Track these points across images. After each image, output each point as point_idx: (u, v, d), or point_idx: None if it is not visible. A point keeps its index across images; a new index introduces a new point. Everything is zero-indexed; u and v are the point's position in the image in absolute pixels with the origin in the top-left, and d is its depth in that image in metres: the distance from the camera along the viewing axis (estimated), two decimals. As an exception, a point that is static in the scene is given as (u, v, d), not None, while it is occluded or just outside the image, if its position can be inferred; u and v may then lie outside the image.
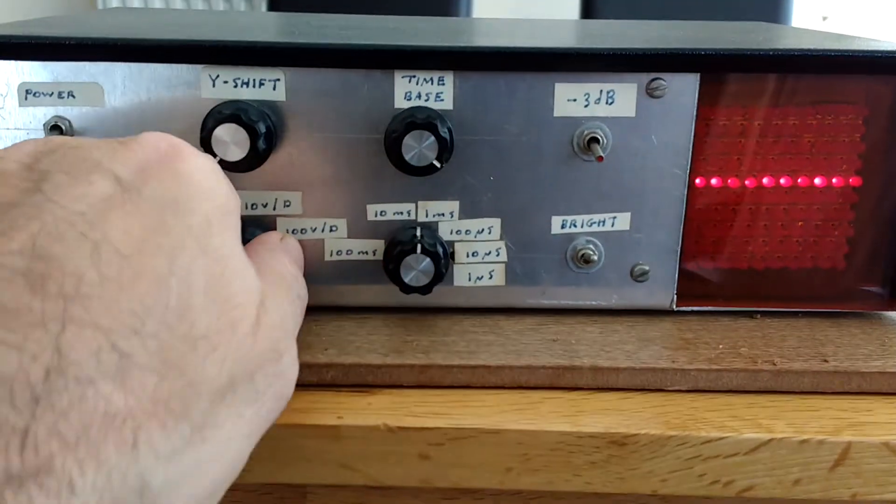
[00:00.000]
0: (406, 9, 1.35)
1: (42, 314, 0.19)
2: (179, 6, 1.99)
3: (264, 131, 0.32)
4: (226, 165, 0.32)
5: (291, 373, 0.27)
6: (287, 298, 0.28)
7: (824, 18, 2.07)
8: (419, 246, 0.34)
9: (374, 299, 0.37)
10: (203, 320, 0.22)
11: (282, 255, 0.31)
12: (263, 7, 1.71)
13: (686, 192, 0.36)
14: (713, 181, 0.36)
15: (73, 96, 0.33)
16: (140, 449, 0.19)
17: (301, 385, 0.32)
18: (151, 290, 0.21)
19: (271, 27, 0.46)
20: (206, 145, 0.31)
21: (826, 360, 0.34)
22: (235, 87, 0.33)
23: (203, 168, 0.25)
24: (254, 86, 0.33)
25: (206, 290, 0.23)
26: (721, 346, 0.35)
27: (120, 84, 0.33)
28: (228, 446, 0.23)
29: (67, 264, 0.20)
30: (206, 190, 0.25)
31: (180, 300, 0.22)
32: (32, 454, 0.17)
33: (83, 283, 0.20)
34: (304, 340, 0.34)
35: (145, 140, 0.24)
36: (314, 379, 0.33)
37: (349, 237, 0.36)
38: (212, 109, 0.32)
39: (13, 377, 0.18)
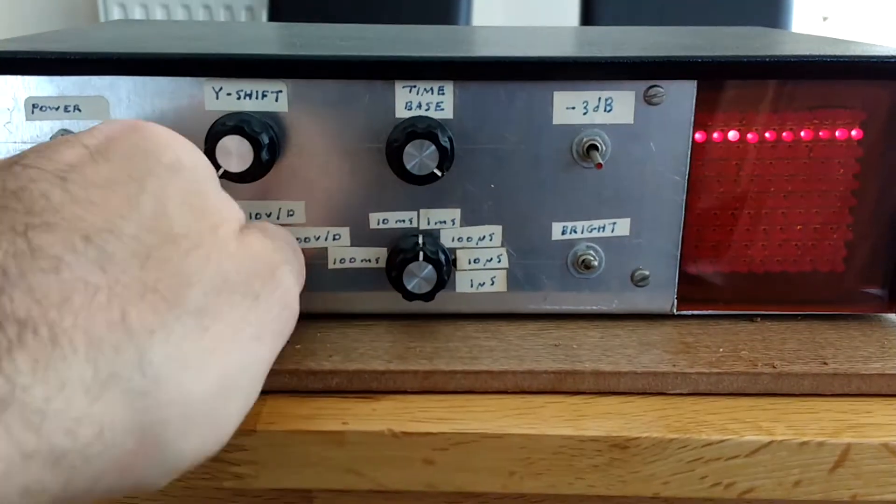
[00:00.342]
0: (406, 17, 1.36)
1: (11, 223, 0.20)
2: (181, 15, 2.00)
3: (267, 142, 0.32)
4: (230, 176, 0.32)
5: (290, 283, 0.27)
6: (289, 246, 0.29)
7: (825, 19, 2.07)
8: (421, 253, 0.34)
9: (377, 306, 0.37)
10: (181, 222, 0.23)
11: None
12: (264, 16, 1.72)
13: (685, 198, 0.36)
14: (712, 186, 0.37)
15: (79, 110, 0.33)
16: (131, 325, 0.20)
17: (306, 391, 0.33)
18: (123, 204, 0.22)
19: (273, 38, 0.47)
20: (210, 157, 0.32)
21: (826, 363, 0.34)
22: (238, 98, 0.33)
23: (167, 134, 0.26)
24: (256, 97, 0.33)
25: (182, 202, 0.24)
26: (721, 350, 0.35)
27: (125, 97, 0.33)
28: (235, 342, 0.23)
29: (35, 190, 0.21)
30: (175, 144, 0.26)
31: (156, 209, 0.23)
32: (10, 313, 0.18)
33: (51, 200, 0.21)
34: (308, 348, 0.35)
35: (115, 119, 0.26)
36: (319, 385, 0.33)
37: (352, 245, 0.36)
38: (215, 121, 0.32)
39: None
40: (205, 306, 0.22)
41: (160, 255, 0.22)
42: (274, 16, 1.55)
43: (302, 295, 0.36)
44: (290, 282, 0.27)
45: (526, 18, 1.86)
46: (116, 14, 1.94)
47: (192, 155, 0.26)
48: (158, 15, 1.98)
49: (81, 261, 0.20)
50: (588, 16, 1.47)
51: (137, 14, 1.95)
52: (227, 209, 0.26)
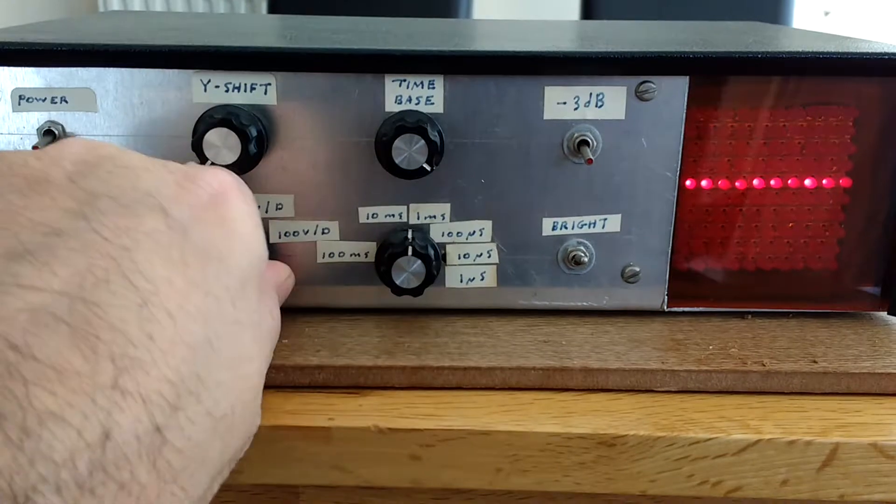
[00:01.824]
0: (406, 10, 1.35)
1: (92, 382, 0.18)
2: (181, 8, 1.99)
3: (255, 135, 0.32)
4: (217, 169, 0.32)
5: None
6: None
7: (826, 13, 2.06)
8: (410, 248, 0.34)
9: (366, 301, 0.37)
10: (227, 398, 0.22)
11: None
12: (264, 8, 1.71)
13: (676, 194, 0.36)
14: (703, 183, 0.36)
15: (66, 101, 0.33)
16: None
17: (293, 386, 0.33)
18: (188, 358, 0.20)
19: (265, 30, 0.47)
20: (197, 149, 0.31)
21: (816, 361, 0.34)
22: (227, 91, 0.33)
23: (246, 216, 0.25)
24: (245, 90, 0.33)
25: (228, 361, 0.22)
26: (711, 347, 0.35)
27: (112, 89, 0.33)
28: None
29: (114, 317, 0.19)
30: (247, 242, 0.25)
31: (209, 372, 0.21)
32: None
33: (130, 345, 0.19)
34: (296, 342, 0.34)
35: (200, 178, 0.24)
36: (306, 381, 0.33)
37: (341, 239, 0.36)
38: (203, 114, 0.32)
39: (62, 463, 0.16)
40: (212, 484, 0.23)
41: (202, 444, 0.21)
42: (273, 8, 1.54)
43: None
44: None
45: (525, 13, 1.86)
46: (116, 6, 1.93)
47: (255, 254, 0.26)
48: (158, 7, 1.97)
49: (142, 461, 0.19)
50: (588, 10, 1.47)
51: (137, 6, 1.94)
52: (256, 358, 0.25)
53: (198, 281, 0.22)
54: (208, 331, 0.21)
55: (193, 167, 0.25)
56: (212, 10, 2.00)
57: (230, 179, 0.25)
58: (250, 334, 0.24)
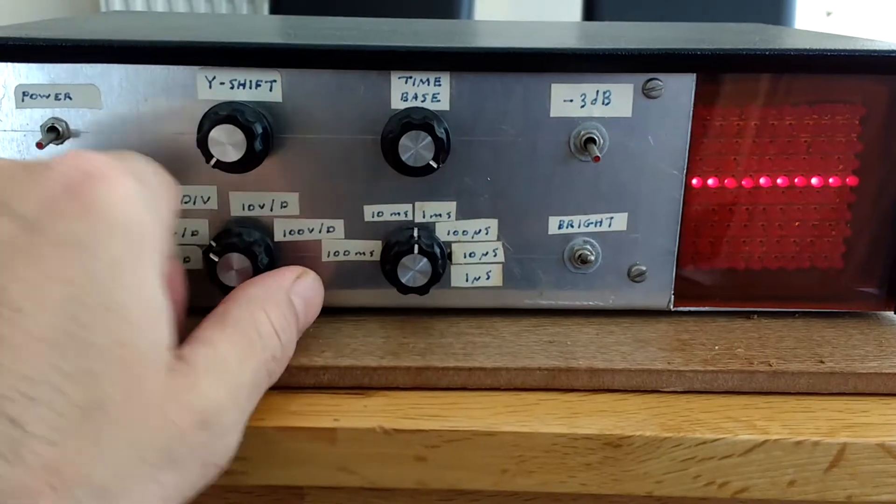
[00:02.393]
0: (409, 12, 1.35)
1: None
2: (182, 9, 1.99)
3: (261, 132, 0.32)
4: (222, 166, 0.32)
5: (222, 444, 0.25)
6: (249, 361, 0.27)
7: (828, 14, 2.06)
8: (416, 246, 0.34)
9: (371, 301, 0.37)
10: (101, 387, 0.21)
11: (270, 308, 0.29)
12: (265, 10, 1.71)
13: (683, 193, 0.36)
14: (710, 181, 0.36)
15: (70, 98, 0.33)
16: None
17: (297, 387, 0.33)
18: (41, 352, 0.20)
19: (269, 29, 0.46)
20: (202, 146, 0.31)
21: (822, 361, 0.34)
22: (232, 88, 0.33)
23: (116, 197, 0.23)
24: (250, 87, 0.33)
25: (105, 351, 0.21)
26: (717, 347, 0.35)
27: (116, 86, 0.33)
28: None
29: None
30: (118, 225, 0.23)
31: (78, 364, 0.21)
32: None
33: None
34: (300, 343, 0.34)
35: (56, 168, 0.23)
36: (310, 381, 0.33)
37: (346, 238, 0.36)
38: (208, 111, 0.32)
39: None
40: (113, 484, 0.21)
41: (73, 432, 0.21)
42: (275, 9, 1.54)
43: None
44: (223, 443, 0.26)
45: (527, 15, 1.86)
46: (118, 6, 1.93)
47: (132, 236, 0.24)
48: (160, 7, 1.97)
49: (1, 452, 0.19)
50: (589, 12, 1.47)
51: (139, 6, 1.94)
52: (156, 347, 0.24)
53: (54, 272, 0.21)
54: (67, 322, 0.21)
55: (55, 158, 0.24)
56: (213, 10, 2.00)
57: (99, 162, 0.24)
58: (131, 319, 0.23)
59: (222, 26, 0.45)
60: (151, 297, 0.24)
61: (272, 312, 0.29)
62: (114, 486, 0.21)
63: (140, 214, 0.24)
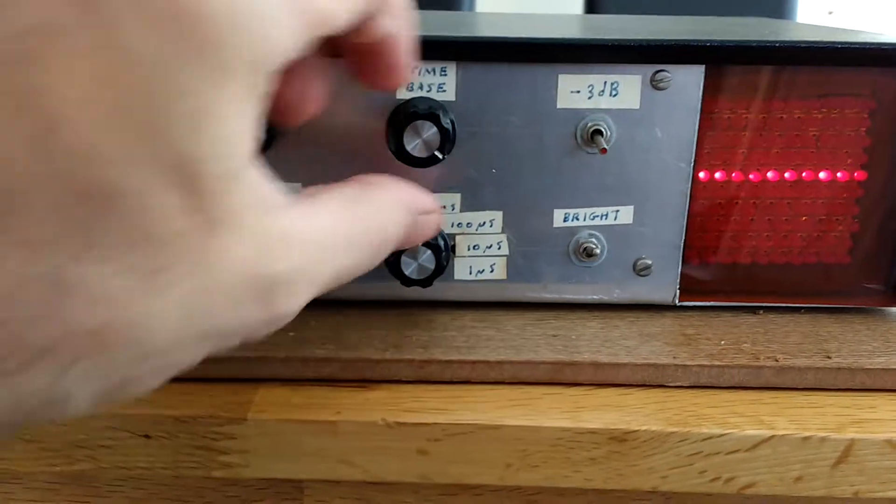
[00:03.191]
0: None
1: None
2: None
3: (264, 122, 0.31)
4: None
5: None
6: (352, 252, 0.23)
7: (830, 13, 2.06)
8: (419, 239, 0.33)
9: (374, 293, 0.36)
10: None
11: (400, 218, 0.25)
12: None
13: (690, 186, 0.35)
14: (717, 175, 0.36)
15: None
16: None
17: (299, 380, 0.32)
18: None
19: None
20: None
21: (829, 357, 0.33)
22: (234, 77, 0.32)
23: None
24: (252, 76, 0.32)
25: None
26: (723, 342, 0.34)
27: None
28: None
29: None
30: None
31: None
32: None
33: None
34: (302, 335, 0.34)
35: None
36: (312, 374, 0.32)
37: (348, 230, 0.35)
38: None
39: None
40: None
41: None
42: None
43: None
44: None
45: (529, 9, 1.85)
46: None
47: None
48: None
49: None
50: (591, 7, 1.46)
51: None
52: None
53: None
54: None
55: None
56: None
57: None
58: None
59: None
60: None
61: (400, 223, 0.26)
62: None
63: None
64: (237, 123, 0.18)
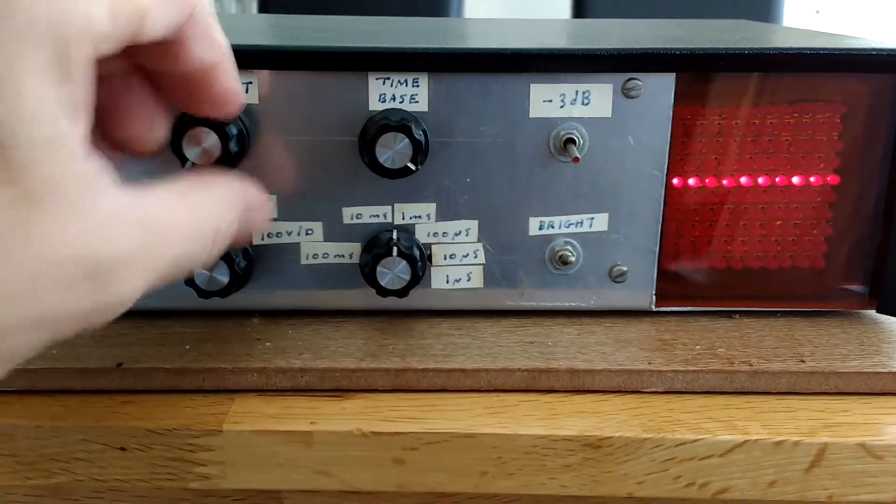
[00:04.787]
0: (397, 10, 1.35)
1: None
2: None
3: (235, 133, 0.31)
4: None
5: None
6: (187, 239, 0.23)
7: (817, 12, 2.07)
8: (395, 248, 0.34)
9: (351, 303, 0.36)
10: None
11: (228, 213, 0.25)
12: (254, 8, 1.71)
13: (664, 193, 0.36)
14: (691, 181, 0.36)
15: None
16: None
17: (275, 390, 0.32)
18: None
19: (247, 29, 0.46)
20: (176, 150, 0.31)
21: (803, 361, 0.34)
22: (207, 90, 0.32)
23: None
24: (226, 89, 0.33)
25: None
26: (698, 347, 0.35)
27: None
28: None
29: None
30: None
31: None
32: None
33: None
34: (279, 345, 0.34)
35: None
36: (288, 384, 0.32)
37: (325, 241, 0.35)
38: (182, 113, 0.31)
39: None
40: None
41: None
42: (263, 7, 1.53)
43: (274, 292, 0.36)
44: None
45: (516, 12, 1.85)
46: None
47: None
48: (147, 5, 1.95)
49: None
50: (579, 9, 1.47)
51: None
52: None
53: None
54: None
55: None
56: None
57: None
58: None
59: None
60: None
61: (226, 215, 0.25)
62: None
63: None
64: (42, 95, 0.18)
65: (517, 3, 1.92)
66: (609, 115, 0.34)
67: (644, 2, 1.45)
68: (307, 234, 0.35)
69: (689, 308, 0.38)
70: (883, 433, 0.31)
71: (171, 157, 0.31)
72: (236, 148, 0.32)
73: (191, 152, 0.31)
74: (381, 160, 0.32)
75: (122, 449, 0.30)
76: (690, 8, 1.39)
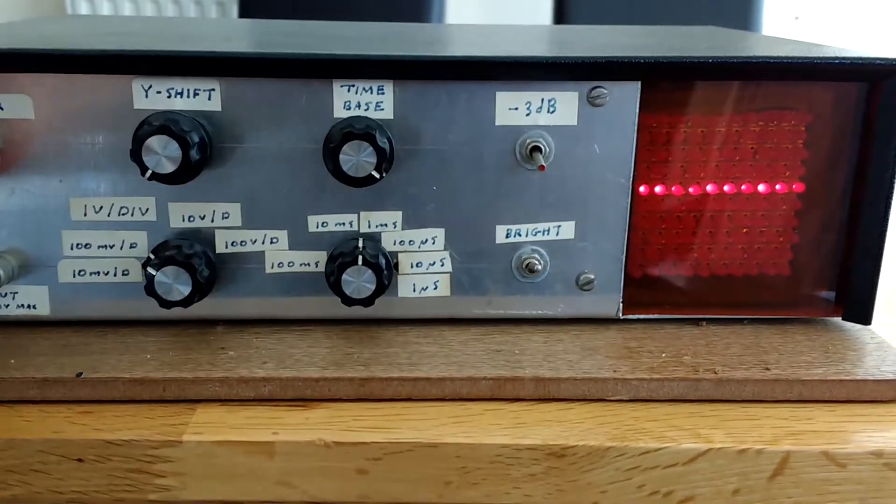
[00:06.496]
0: (378, 14, 1.35)
1: None
2: (150, 11, 1.97)
3: (197, 141, 0.31)
4: (159, 178, 0.31)
5: None
6: None
7: (796, 18, 2.09)
8: (361, 257, 0.33)
9: (316, 312, 0.36)
10: None
11: None
12: (235, 12, 1.70)
13: (630, 201, 0.36)
14: (657, 189, 0.36)
15: (1, 108, 0.32)
16: None
17: (237, 400, 0.32)
18: None
19: (215, 35, 0.46)
20: (136, 159, 0.31)
21: (768, 368, 0.34)
22: (169, 97, 0.32)
23: None
24: (188, 96, 0.32)
25: None
26: (664, 355, 0.35)
27: (50, 95, 0.32)
28: None
29: None
30: None
31: None
32: None
33: None
34: (242, 354, 0.34)
35: None
36: (251, 394, 0.32)
37: (290, 249, 0.35)
38: (142, 121, 0.31)
39: None
40: None
41: None
42: (244, 12, 1.53)
43: (239, 300, 0.35)
44: None
45: (498, 17, 1.86)
46: (84, 9, 1.90)
47: None
48: (127, 10, 1.95)
49: None
50: (560, 14, 1.47)
51: (105, 9, 1.92)
52: None
53: None
54: None
55: None
56: (182, 13, 1.98)
57: None
58: None
59: (171, 31, 0.45)
60: None
61: None
62: None
63: None
64: None
65: (500, 8, 1.93)
66: (575, 122, 0.34)
67: (625, 7, 1.45)
68: (272, 242, 0.35)
69: (656, 315, 0.38)
70: (846, 441, 0.31)
71: (132, 166, 0.31)
72: (198, 156, 0.31)
73: (151, 160, 0.31)
74: (345, 168, 0.32)
75: (80, 460, 0.30)
76: (669, 14, 1.40)
